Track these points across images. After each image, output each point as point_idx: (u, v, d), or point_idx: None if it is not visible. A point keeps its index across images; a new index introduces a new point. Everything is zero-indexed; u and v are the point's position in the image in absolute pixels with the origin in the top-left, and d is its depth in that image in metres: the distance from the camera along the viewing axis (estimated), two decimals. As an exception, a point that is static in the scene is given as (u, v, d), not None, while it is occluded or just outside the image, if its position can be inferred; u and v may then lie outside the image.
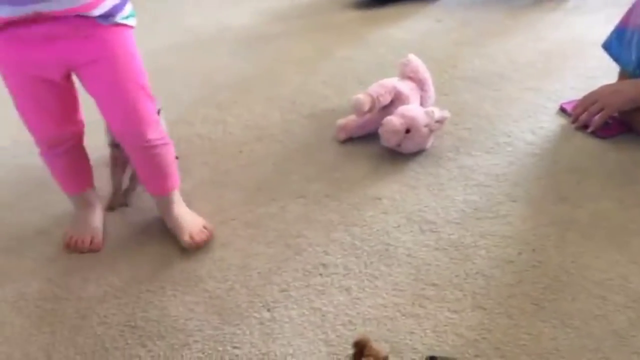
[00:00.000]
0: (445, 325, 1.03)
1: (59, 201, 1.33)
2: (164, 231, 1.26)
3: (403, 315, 1.05)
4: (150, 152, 1.17)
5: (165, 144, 1.19)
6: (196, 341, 1.03)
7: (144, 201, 1.34)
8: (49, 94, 1.11)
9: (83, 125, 1.22)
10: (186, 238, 1.20)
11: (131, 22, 1.12)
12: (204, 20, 2.19)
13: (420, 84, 1.52)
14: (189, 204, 1.29)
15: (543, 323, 1.01)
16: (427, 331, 1.02)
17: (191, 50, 1.99)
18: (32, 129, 1.16)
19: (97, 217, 1.28)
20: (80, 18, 1.02)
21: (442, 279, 1.12)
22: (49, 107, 1.13)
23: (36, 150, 1.22)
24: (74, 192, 1.27)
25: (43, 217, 1.34)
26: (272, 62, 1.88)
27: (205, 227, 1.23)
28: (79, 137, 1.22)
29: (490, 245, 1.18)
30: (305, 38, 2.01)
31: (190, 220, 1.23)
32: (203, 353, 1.01)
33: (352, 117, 1.48)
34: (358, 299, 1.09)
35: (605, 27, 1.54)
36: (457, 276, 1.12)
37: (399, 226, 1.24)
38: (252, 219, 1.29)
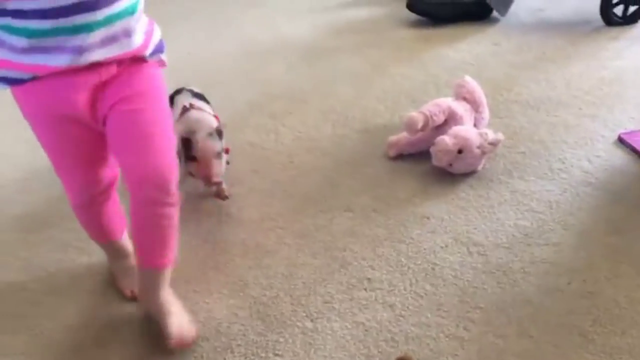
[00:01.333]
0: (490, 350, 1.01)
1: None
2: (214, 232, 1.29)
3: (447, 336, 1.04)
4: (163, 211, 0.99)
5: (177, 206, 1.02)
6: (239, 345, 1.05)
7: (190, 203, 1.37)
8: (87, 135, 1.00)
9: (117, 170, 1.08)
10: (175, 331, 1.01)
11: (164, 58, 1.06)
12: (263, 30, 2.23)
13: (475, 105, 1.51)
14: (239, 211, 1.32)
15: (591, 356, 0.99)
16: (471, 355, 1.01)
17: (249, 59, 2.03)
18: (68, 176, 1.04)
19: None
20: (132, 59, 0.97)
21: (489, 302, 1.10)
22: (85, 150, 1.02)
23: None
24: (112, 239, 1.15)
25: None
26: (327, 75, 1.90)
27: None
28: (114, 182, 1.10)
29: (539, 273, 1.16)
30: (360, 53, 2.02)
31: (178, 311, 1.06)
32: (245, 358, 1.02)
33: (403, 134, 1.48)
34: (402, 316, 1.09)
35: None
36: (504, 301, 1.10)
37: (446, 246, 1.24)
38: (300, 229, 1.30)
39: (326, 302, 1.12)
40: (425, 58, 1.96)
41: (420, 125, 1.42)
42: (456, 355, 1.01)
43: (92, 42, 0.90)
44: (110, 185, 1.09)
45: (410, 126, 1.43)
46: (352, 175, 1.46)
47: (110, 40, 0.92)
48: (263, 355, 1.03)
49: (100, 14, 0.89)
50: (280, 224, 1.31)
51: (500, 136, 1.42)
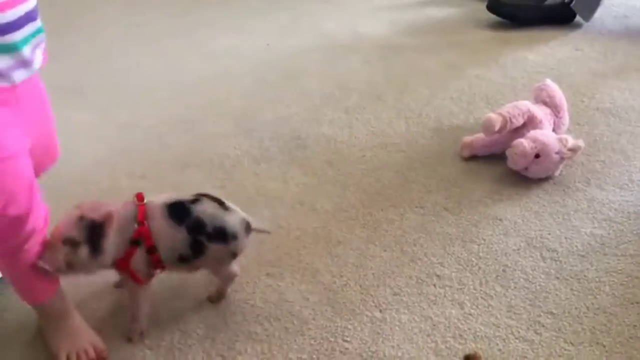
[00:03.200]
0: (560, 356, 1.01)
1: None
2: (287, 219, 1.32)
3: (516, 338, 1.04)
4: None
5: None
6: (309, 329, 1.08)
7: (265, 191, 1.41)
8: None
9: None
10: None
11: None
12: (341, 26, 2.25)
13: (555, 109, 1.48)
14: (313, 200, 1.35)
15: (667, 371, 0.97)
16: (541, 358, 1.00)
17: (326, 54, 2.06)
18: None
19: (78, 320, 1.06)
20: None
21: (561, 309, 1.10)
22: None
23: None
24: (43, 299, 1.03)
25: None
26: (403, 73, 1.91)
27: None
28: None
29: (615, 283, 1.14)
30: (436, 53, 2.02)
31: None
32: (315, 341, 1.06)
33: (479, 135, 1.48)
34: (470, 314, 1.09)
35: None
36: (576, 309, 1.09)
37: (518, 249, 1.23)
38: (371, 221, 1.32)
39: (395, 294, 1.14)
40: (504, 60, 1.94)
41: (497, 126, 1.41)
42: (525, 357, 1.01)
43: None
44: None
45: (487, 127, 1.42)
46: (424, 172, 1.47)
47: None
48: (332, 340, 1.06)
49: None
50: (352, 215, 1.34)
51: (581, 143, 1.40)
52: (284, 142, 1.59)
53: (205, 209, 1.02)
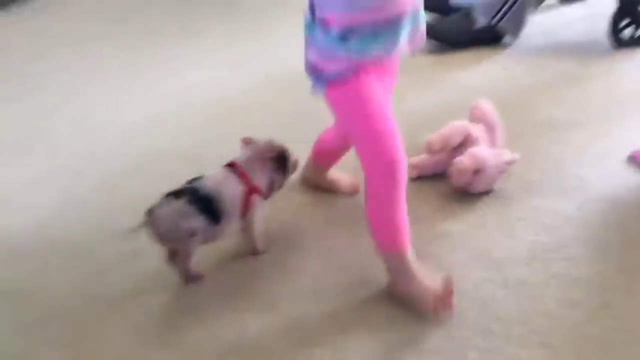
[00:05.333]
0: (511, 360, 1.06)
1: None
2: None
3: (469, 347, 1.09)
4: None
5: None
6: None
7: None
8: None
9: None
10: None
11: None
12: (288, 60, 2.28)
13: (489, 126, 1.57)
14: (266, 229, 1.39)
15: (611, 364, 1.03)
16: (494, 364, 1.06)
17: (279, 86, 2.07)
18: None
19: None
20: None
21: (509, 315, 1.16)
22: None
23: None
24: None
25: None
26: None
27: None
28: None
29: (558, 286, 1.21)
30: (378, 80, 2.10)
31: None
32: None
33: (423, 156, 1.55)
34: (421, 328, 1.14)
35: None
36: (524, 313, 1.16)
37: (466, 262, 1.29)
38: (326, 247, 1.36)
39: (351, 316, 1.18)
40: (441, 82, 2.03)
41: (438, 147, 1.48)
42: (479, 365, 1.06)
43: None
44: None
45: (429, 148, 1.49)
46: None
47: None
48: None
49: None
50: (308, 244, 1.38)
51: (516, 156, 1.48)
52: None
53: None
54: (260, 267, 1.32)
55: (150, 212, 1.21)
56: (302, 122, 1.87)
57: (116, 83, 2.24)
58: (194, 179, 1.28)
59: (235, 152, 1.77)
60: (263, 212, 1.34)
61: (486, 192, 1.48)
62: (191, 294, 1.27)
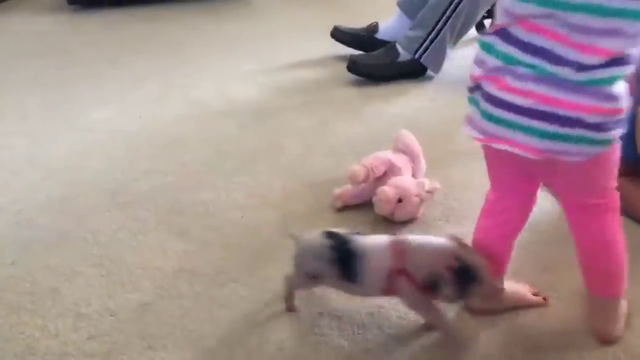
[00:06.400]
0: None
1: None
2: (173, 286, 1.33)
3: None
4: None
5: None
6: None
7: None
8: None
9: None
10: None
11: None
12: (213, 93, 2.32)
13: (412, 156, 1.62)
14: (194, 266, 1.37)
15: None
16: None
17: (200, 121, 2.11)
18: None
19: None
20: None
21: (431, 341, 1.18)
22: None
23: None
24: None
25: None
26: (276, 134, 2.00)
27: None
28: None
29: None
30: (307, 112, 2.14)
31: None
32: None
33: (348, 187, 1.58)
34: (350, 358, 1.15)
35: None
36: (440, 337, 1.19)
37: (391, 290, 1.32)
38: (253, 280, 1.36)
39: (279, 349, 1.18)
40: (367, 114, 2.09)
41: (362, 177, 1.52)
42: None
43: None
44: None
45: (353, 179, 1.53)
46: (302, 227, 1.52)
47: None
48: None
49: None
50: (234, 277, 1.37)
51: (437, 185, 1.54)
52: (161, 212, 1.60)
53: None
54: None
55: (297, 238, 1.21)
56: (225, 157, 1.87)
57: (33, 118, 2.18)
58: (358, 233, 1.20)
59: (157, 185, 1.76)
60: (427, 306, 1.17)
61: (410, 221, 1.52)
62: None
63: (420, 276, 1.09)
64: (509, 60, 0.97)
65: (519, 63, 0.95)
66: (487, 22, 2.68)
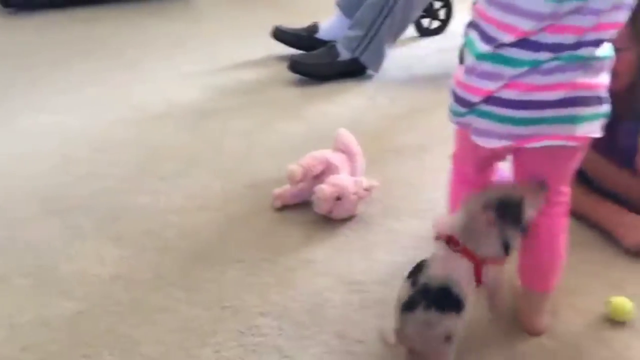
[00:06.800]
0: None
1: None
2: (110, 293, 1.31)
3: (330, 370, 1.12)
4: None
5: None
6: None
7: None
8: None
9: None
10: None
11: None
12: (152, 95, 2.29)
13: (350, 155, 1.64)
14: (131, 271, 1.36)
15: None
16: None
17: (139, 124, 2.07)
18: None
19: None
20: None
21: (369, 335, 1.20)
22: None
23: None
24: None
25: None
26: (216, 135, 1.99)
27: None
28: None
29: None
30: (248, 113, 2.14)
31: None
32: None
33: (287, 187, 1.59)
34: (288, 356, 1.16)
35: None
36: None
37: (329, 287, 1.33)
38: (191, 283, 1.35)
39: (216, 352, 1.17)
40: (307, 114, 2.10)
41: (299, 177, 1.53)
42: (339, 386, 1.09)
43: None
44: None
45: (290, 178, 1.54)
46: (242, 228, 1.54)
47: None
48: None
49: None
50: (172, 281, 1.36)
51: (374, 182, 1.56)
52: (97, 217, 1.57)
53: None
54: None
55: (399, 334, 1.05)
56: (164, 160, 1.85)
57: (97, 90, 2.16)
58: (417, 270, 1.08)
59: (94, 190, 1.73)
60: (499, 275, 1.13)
61: (349, 218, 1.54)
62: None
63: (494, 250, 1.06)
64: (534, 64, 0.97)
65: (544, 62, 0.97)
66: (424, 21, 2.74)
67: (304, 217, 1.56)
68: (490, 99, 1.02)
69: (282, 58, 2.47)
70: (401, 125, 2.01)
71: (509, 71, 0.98)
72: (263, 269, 1.39)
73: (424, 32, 2.74)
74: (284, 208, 1.59)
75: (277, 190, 1.60)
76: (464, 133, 1.12)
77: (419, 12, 2.44)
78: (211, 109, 2.18)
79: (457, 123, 1.13)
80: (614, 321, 1.21)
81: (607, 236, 1.44)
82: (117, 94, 2.30)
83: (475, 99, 1.03)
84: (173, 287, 1.34)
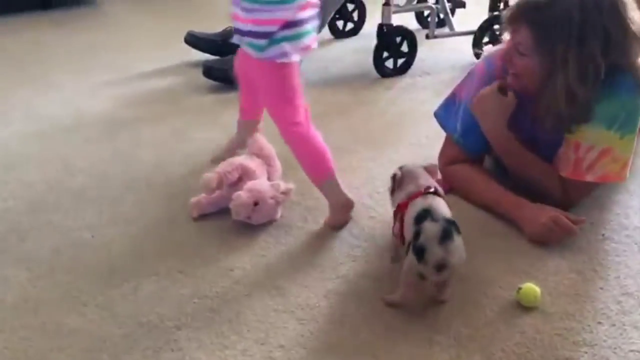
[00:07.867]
0: (291, 384, 1.09)
1: None
2: (15, 317, 1.23)
3: (250, 378, 1.10)
4: None
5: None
6: None
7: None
8: None
9: None
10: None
11: None
12: (60, 108, 2.19)
13: (266, 159, 1.63)
14: (40, 292, 1.28)
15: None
16: (273, 391, 1.07)
17: (46, 138, 1.98)
18: None
19: None
20: None
21: (290, 340, 1.19)
22: None
23: None
24: None
25: None
26: (129, 146, 1.93)
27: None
28: None
29: (332, 304, 1.28)
30: (161, 121, 2.08)
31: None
32: None
33: (203, 195, 1.55)
34: (208, 368, 1.13)
35: (433, 100, 1.77)
36: (302, 336, 1.20)
37: (249, 294, 1.31)
38: (104, 301, 1.29)
39: (133, 370, 1.13)
40: (224, 120, 2.07)
41: (215, 184, 1.50)
42: (260, 394, 1.07)
43: None
44: None
45: (206, 186, 1.51)
46: (157, 240, 1.49)
47: None
48: None
49: None
50: (84, 300, 1.29)
51: (291, 185, 1.55)
52: (1, 239, 1.48)
53: None
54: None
55: (442, 263, 1.19)
56: (73, 174, 1.77)
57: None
58: (425, 213, 1.24)
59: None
60: None
61: (268, 223, 1.53)
62: None
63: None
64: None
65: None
66: (339, 23, 2.77)
67: (222, 225, 1.53)
68: None
69: (196, 64, 2.43)
70: (318, 127, 2.00)
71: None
72: (180, 280, 1.35)
73: (339, 34, 2.77)
74: (202, 217, 1.56)
75: (194, 199, 1.56)
76: None
77: (331, 14, 2.46)
78: (123, 119, 2.11)
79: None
80: (525, 307, 1.26)
81: (515, 226, 1.50)
82: (21, 109, 2.19)
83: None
84: (85, 307, 1.28)
